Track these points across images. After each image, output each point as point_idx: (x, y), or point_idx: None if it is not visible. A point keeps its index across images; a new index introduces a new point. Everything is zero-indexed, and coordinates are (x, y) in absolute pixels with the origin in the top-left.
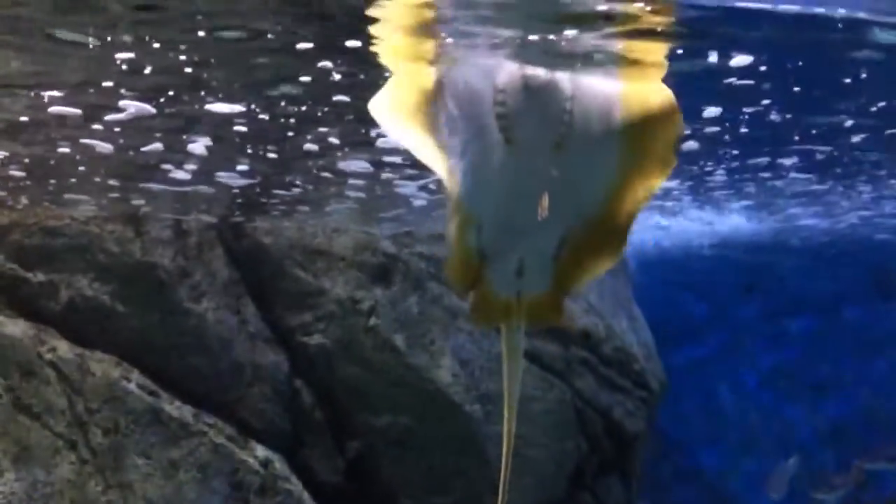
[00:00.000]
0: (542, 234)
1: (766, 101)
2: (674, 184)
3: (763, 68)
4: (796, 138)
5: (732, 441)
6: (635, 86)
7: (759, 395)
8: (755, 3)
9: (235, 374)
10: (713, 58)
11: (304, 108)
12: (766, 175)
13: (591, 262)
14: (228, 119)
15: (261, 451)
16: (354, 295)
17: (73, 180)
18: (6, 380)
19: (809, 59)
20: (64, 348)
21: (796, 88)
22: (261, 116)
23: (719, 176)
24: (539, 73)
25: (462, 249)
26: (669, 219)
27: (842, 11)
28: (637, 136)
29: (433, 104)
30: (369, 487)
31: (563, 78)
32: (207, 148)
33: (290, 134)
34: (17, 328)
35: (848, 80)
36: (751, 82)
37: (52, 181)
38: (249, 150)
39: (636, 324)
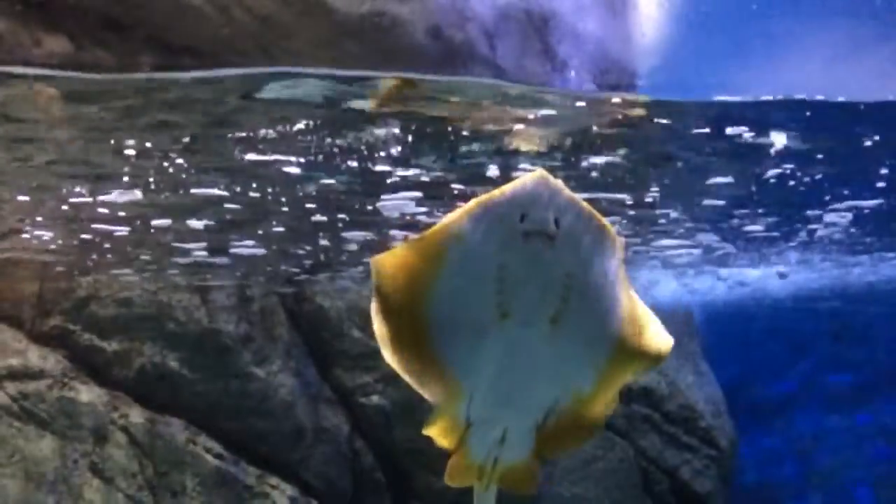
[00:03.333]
0: (529, 405)
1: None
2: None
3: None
4: (827, 198)
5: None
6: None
7: (847, 450)
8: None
9: (298, 435)
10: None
11: None
12: (816, 226)
13: (572, 435)
14: None
15: None
16: None
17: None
18: (82, 444)
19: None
20: (135, 413)
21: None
22: None
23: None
24: (541, 249)
25: (450, 419)
26: (732, 273)
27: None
28: (633, 311)
29: (435, 273)
30: None
31: (564, 255)
32: None
33: None
34: (92, 395)
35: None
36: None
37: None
38: None
39: (703, 379)
